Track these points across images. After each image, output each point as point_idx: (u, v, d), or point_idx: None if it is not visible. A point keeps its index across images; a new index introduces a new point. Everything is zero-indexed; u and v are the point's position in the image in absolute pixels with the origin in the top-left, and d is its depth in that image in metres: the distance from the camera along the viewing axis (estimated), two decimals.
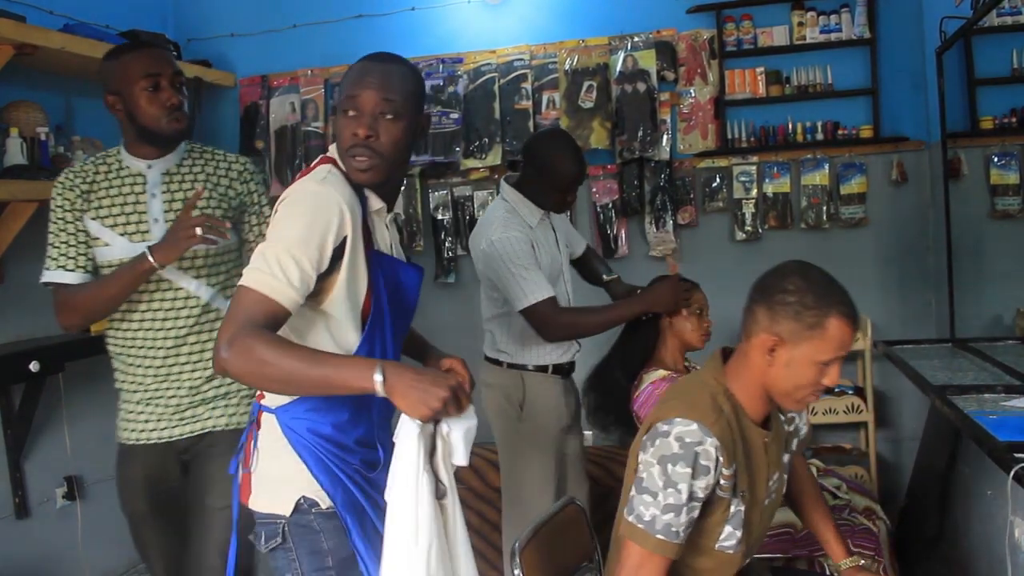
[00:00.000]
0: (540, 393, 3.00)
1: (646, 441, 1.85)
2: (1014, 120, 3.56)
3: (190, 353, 2.50)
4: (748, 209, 4.24)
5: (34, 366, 3.40)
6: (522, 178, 3.09)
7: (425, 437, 1.69)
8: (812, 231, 4.20)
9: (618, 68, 4.23)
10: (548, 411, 3.00)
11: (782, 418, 2.03)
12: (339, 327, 1.86)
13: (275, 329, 1.72)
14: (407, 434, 1.68)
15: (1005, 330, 3.54)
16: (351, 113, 1.87)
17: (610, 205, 4.34)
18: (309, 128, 4.55)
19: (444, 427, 1.71)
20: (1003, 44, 3.50)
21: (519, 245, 2.85)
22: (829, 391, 3.94)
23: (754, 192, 4.22)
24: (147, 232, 2.43)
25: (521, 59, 4.36)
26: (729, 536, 1.88)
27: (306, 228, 1.75)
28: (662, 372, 2.91)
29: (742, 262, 4.23)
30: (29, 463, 3.72)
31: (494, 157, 4.35)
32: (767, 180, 4.22)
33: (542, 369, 3.03)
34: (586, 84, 4.28)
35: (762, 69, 4.19)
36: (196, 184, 2.50)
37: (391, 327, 1.92)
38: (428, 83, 4.36)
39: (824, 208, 4.16)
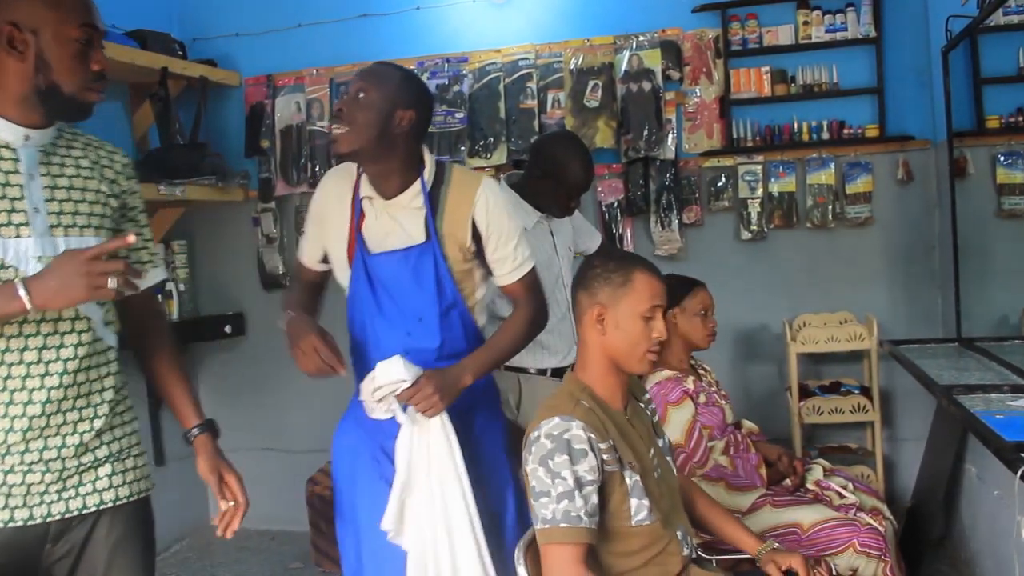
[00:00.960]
0: (537, 396, 2.99)
1: (524, 455, 2.00)
2: (1020, 119, 3.55)
3: (77, 396, 1.81)
4: (753, 208, 4.23)
5: None
6: (525, 178, 3.07)
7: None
8: (818, 230, 4.19)
9: (623, 67, 4.23)
10: None
11: (640, 404, 2.24)
12: (342, 279, 2.43)
13: (309, 278, 2.52)
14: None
15: (1011, 329, 3.53)
16: (343, 97, 2.27)
17: (615, 204, 4.34)
18: (314, 127, 4.56)
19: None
20: (1009, 43, 3.50)
21: None
22: (834, 390, 3.95)
23: (759, 191, 4.22)
24: (24, 225, 1.73)
25: (526, 58, 4.36)
26: (639, 508, 1.99)
27: (310, 206, 2.49)
28: (667, 372, 2.92)
29: (748, 261, 4.23)
30: None
31: (499, 156, 4.35)
32: (772, 179, 4.21)
33: (541, 372, 3.04)
34: (591, 83, 4.27)
35: (767, 68, 4.19)
36: (81, 171, 1.88)
37: (373, 287, 2.33)
38: (433, 82, 4.37)
39: (830, 207, 4.15)
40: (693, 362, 3.12)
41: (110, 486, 1.85)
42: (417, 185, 2.32)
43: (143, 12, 4.44)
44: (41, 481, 1.76)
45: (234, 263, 4.80)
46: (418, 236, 2.31)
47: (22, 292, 1.61)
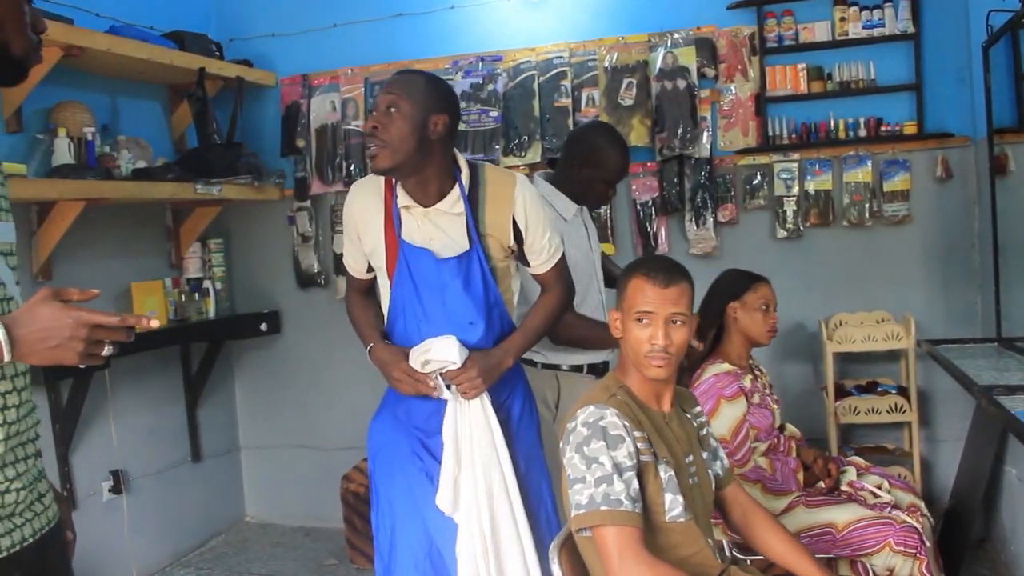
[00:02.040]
0: (575, 393, 2.99)
1: (562, 445, 2.02)
2: None
3: (29, 402, 1.55)
4: (789, 206, 4.20)
5: None
6: (561, 171, 3.09)
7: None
8: (854, 229, 4.15)
9: (658, 65, 4.21)
10: None
11: (687, 415, 2.20)
12: (382, 285, 2.47)
13: (361, 287, 2.59)
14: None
15: None
16: (372, 113, 2.29)
17: (650, 203, 4.32)
18: (349, 126, 4.58)
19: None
20: None
21: None
22: (871, 390, 3.91)
23: (795, 189, 4.18)
24: None
25: (560, 56, 4.36)
26: (673, 504, 1.97)
27: (343, 223, 2.52)
28: (727, 366, 2.91)
29: (783, 260, 4.19)
30: (76, 457, 3.79)
31: (533, 155, 4.35)
32: (809, 177, 4.17)
33: (577, 369, 3.03)
34: (626, 81, 4.26)
35: (804, 65, 4.15)
36: None
37: (419, 293, 2.36)
38: (467, 81, 4.38)
39: (867, 205, 4.11)
40: (751, 362, 3.10)
41: (51, 502, 1.62)
42: (456, 191, 2.36)
43: (181, 14, 4.50)
44: (20, 496, 1.50)
45: (270, 261, 4.85)
46: (462, 242, 2.36)
47: (3, 340, 1.34)
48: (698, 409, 2.28)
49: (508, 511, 2.31)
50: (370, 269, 2.53)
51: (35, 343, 1.35)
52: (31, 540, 1.52)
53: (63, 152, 3.56)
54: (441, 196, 2.35)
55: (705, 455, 2.17)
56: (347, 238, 2.52)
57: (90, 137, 3.68)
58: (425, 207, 2.35)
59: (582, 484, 1.91)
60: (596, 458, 1.91)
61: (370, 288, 2.61)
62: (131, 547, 4.00)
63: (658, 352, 2.01)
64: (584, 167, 2.99)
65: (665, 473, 1.98)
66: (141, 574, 4.12)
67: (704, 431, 2.23)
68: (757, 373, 3.09)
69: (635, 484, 1.91)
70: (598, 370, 3.07)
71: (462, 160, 2.40)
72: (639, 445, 1.96)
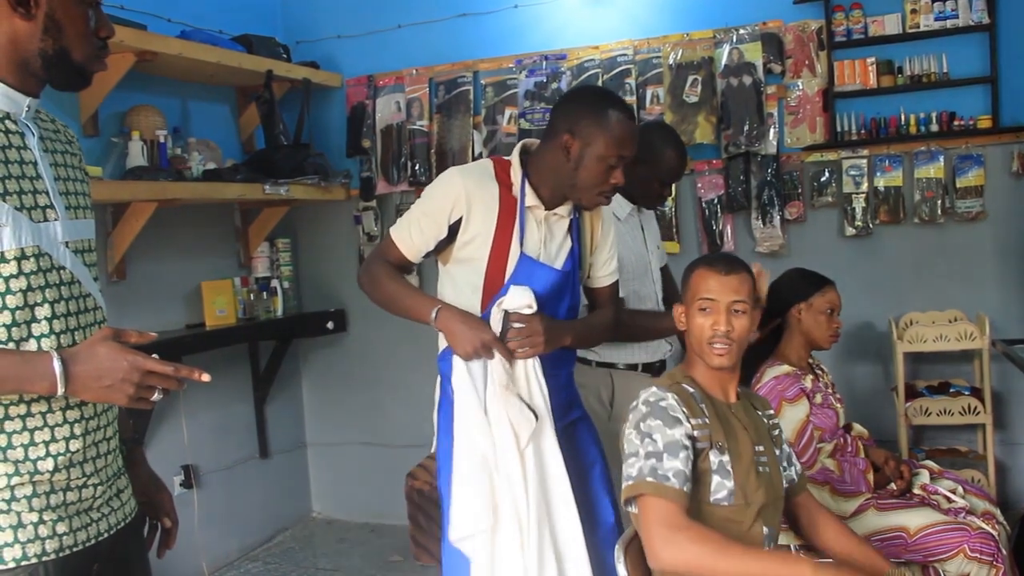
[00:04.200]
0: (631, 392, 2.97)
1: (625, 425, 2.05)
2: None
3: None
4: (858, 203, 4.12)
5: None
6: None
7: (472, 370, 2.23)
8: (926, 226, 4.06)
9: (723, 61, 4.17)
10: None
11: (757, 412, 2.20)
12: (457, 289, 2.34)
13: (403, 269, 2.39)
14: (460, 371, 2.23)
15: None
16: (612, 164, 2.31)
17: (716, 200, 4.28)
18: (414, 126, 4.62)
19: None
20: None
21: None
22: (943, 391, 3.83)
23: (864, 186, 4.11)
24: (50, 207, 1.51)
25: (624, 54, 4.33)
26: (719, 487, 1.97)
27: (429, 202, 2.31)
28: (786, 368, 2.88)
29: (852, 258, 4.13)
30: (149, 452, 3.82)
31: None
32: (878, 173, 4.09)
33: (632, 367, 3.02)
34: (691, 78, 4.23)
35: (873, 59, 4.07)
36: (60, 145, 1.63)
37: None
38: (532, 80, 4.40)
39: (939, 202, 4.02)
40: (811, 361, 3.06)
41: (129, 497, 1.70)
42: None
43: (249, 17, 4.58)
44: (92, 494, 1.56)
45: (336, 260, 4.91)
46: (566, 248, 2.39)
47: (58, 375, 1.38)
48: (770, 412, 2.28)
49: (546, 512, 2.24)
50: (427, 255, 2.43)
51: (89, 381, 1.40)
52: (107, 535, 1.59)
53: (136, 154, 3.65)
54: (563, 200, 2.38)
55: (777, 452, 2.16)
56: (427, 218, 2.32)
57: (162, 139, 3.77)
58: (548, 210, 2.37)
59: (635, 458, 1.94)
60: (650, 434, 1.94)
61: (407, 272, 2.49)
62: (201, 540, 4.08)
63: (720, 338, 2.05)
64: (639, 165, 2.98)
65: (716, 458, 1.98)
66: (210, 567, 4.20)
67: (776, 432, 2.22)
68: (819, 372, 3.04)
69: (680, 466, 1.91)
70: (654, 369, 3.05)
71: None
72: (696, 433, 1.97)
